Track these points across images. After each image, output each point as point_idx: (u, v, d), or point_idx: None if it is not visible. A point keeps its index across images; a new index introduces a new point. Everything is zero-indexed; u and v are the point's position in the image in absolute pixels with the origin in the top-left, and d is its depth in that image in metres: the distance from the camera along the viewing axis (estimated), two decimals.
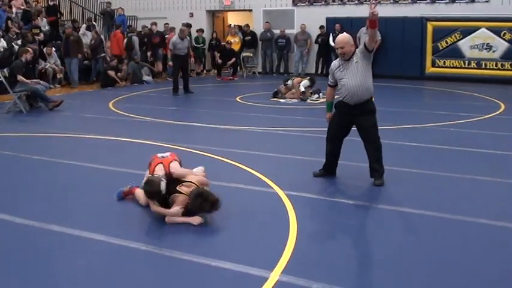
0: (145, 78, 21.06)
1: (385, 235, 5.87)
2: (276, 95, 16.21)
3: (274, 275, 4.84)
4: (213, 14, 26.10)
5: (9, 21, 19.73)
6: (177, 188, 6.36)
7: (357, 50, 7.55)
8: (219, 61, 22.18)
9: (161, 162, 6.70)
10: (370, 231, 6.08)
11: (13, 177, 8.29)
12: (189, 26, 22.03)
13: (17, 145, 10.35)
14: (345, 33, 8.00)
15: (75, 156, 9.21)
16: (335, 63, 7.72)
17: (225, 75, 22.38)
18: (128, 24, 24.47)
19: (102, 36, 22.42)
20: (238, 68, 23.19)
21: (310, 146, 9.75)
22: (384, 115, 12.59)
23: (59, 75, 19.44)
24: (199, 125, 12.28)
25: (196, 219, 6.13)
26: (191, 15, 25.06)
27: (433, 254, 5.36)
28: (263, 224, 6.27)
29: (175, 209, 6.22)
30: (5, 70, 15.13)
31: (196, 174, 6.75)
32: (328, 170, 7.93)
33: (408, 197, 7.07)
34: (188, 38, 18.48)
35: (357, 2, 22.11)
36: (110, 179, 7.85)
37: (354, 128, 7.73)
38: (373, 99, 7.72)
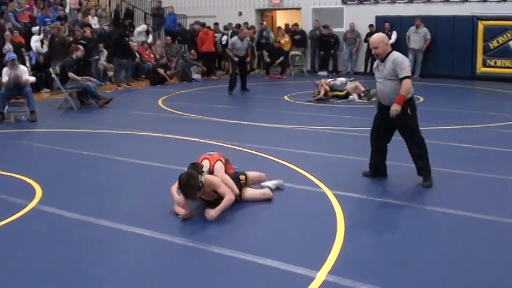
0: (195, 76, 21.20)
1: (433, 237, 5.80)
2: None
3: (321, 275, 4.83)
4: (261, 13, 26.12)
5: (58, 21, 20.13)
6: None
7: (394, 59, 7.33)
8: (268, 60, 22.19)
9: (207, 158, 6.95)
10: (418, 233, 5.97)
11: (63, 172, 8.44)
12: (251, 27, 21.97)
13: (67, 141, 10.54)
14: (379, 32, 7.92)
15: (124, 153, 9.34)
16: (376, 63, 7.67)
17: (273, 73, 22.38)
18: (178, 22, 24.71)
19: (151, 37, 22.65)
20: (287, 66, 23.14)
21: (358, 145, 9.67)
22: (434, 115, 12.48)
23: (110, 73, 19.70)
24: (247, 123, 12.33)
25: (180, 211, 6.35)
26: (240, 14, 25.11)
27: (483, 257, 5.29)
28: (310, 223, 6.26)
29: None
30: (57, 67, 15.40)
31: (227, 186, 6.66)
32: (375, 171, 7.86)
33: (457, 198, 6.96)
34: (248, 39, 18.44)
35: (406, 0, 21.88)
36: (158, 175, 7.95)
37: None
38: (412, 98, 7.49)
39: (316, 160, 8.95)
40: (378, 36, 7.54)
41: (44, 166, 8.83)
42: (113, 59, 19.49)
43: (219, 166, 6.90)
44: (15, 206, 6.69)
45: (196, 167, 6.53)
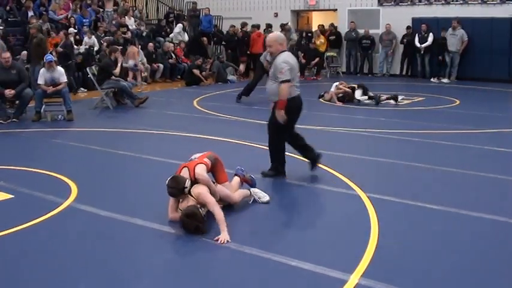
0: (230, 77, 21.26)
1: (470, 243, 5.73)
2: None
3: (354, 278, 4.81)
4: (297, 14, 26.08)
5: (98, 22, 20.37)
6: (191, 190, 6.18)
7: (276, 61, 7.39)
8: (303, 61, 22.13)
9: (186, 166, 6.42)
10: (454, 237, 5.90)
11: (98, 171, 8.54)
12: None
13: (103, 140, 10.65)
14: (276, 32, 8.06)
15: (159, 152, 9.40)
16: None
17: (308, 75, 22.31)
18: (214, 24, 24.84)
19: (186, 35, 22.83)
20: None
21: (391, 148, 9.62)
22: (469, 118, 12.34)
23: (145, 73, 19.84)
24: None
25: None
26: (276, 15, 25.10)
27: None
28: (344, 225, 6.24)
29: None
30: (94, 67, 15.56)
31: (217, 188, 6.39)
32: (276, 169, 7.94)
33: (489, 203, 6.88)
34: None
35: (443, 2, 21.66)
36: None
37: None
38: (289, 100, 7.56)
39: (350, 162, 8.90)
40: (274, 35, 7.73)
41: (80, 165, 8.93)
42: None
43: (200, 170, 6.35)
44: (51, 203, 6.78)
45: (178, 183, 6.07)
